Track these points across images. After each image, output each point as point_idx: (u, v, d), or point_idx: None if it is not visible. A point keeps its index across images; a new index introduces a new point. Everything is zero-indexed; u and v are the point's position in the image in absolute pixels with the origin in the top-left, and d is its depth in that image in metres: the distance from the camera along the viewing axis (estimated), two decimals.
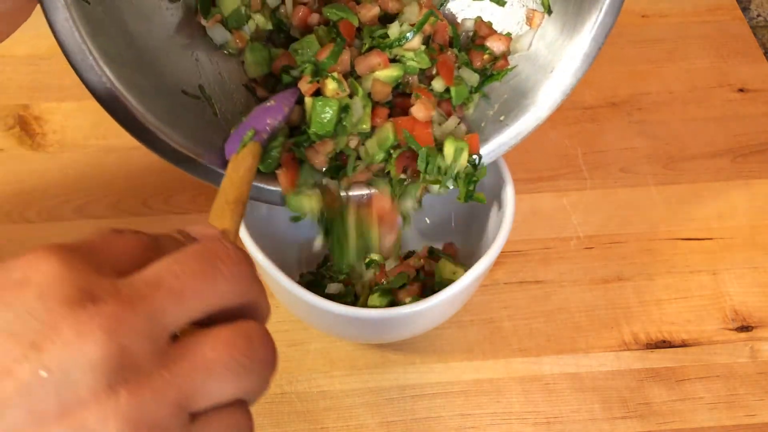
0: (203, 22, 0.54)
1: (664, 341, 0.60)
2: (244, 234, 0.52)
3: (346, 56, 0.54)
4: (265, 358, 0.28)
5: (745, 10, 0.86)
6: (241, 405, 0.28)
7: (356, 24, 0.55)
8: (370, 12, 0.55)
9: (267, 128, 0.49)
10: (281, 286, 0.50)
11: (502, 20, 0.58)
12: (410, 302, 0.52)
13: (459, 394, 0.58)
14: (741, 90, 0.76)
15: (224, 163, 0.49)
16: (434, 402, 0.57)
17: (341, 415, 0.56)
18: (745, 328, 0.61)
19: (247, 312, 0.29)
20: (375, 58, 0.54)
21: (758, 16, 0.88)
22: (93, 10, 0.45)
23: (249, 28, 0.56)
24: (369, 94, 0.54)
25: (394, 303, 0.55)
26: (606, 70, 0.77)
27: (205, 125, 0.53)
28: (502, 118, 0.55)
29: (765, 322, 0.61)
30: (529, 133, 0.55)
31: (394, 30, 0.55)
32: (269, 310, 0.31)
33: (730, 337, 0.61)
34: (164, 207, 0.67)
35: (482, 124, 0.56)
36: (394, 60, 0.55)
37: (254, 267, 0.29)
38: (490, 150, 0.55)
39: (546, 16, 0.54)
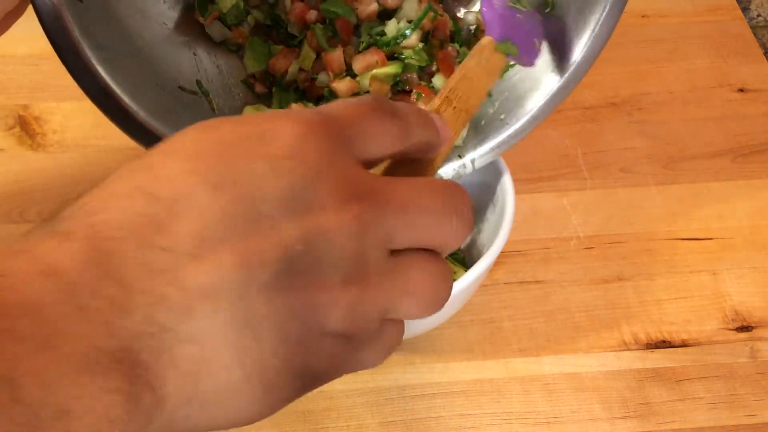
0: (201, 19, 0.53)
1: (664, 341, 0.60)
2: None
3: (339, 56, 0.53)
4: (445, 296, 0.30)
5: (745, 10, 0.86)
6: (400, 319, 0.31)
7: (354, 21, 0.54)
8: (369, 8, 0.55)
9: (520, 63, 0.47)
10: None
11: None
12: None
13: (459, 394, 0.58)
14: (741, 90, 0.76)
15: None
16: (434, 402, 0.57)
17: (341, 415, 0.56)
18: (745, 328, 0.61)
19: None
20: (372, 56, 0.54)
21: (758, 16, 0.88)
22: (86, 8, 0.45)
23: (248, 23, 0.55)
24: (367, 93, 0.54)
25: None
26: (606, 70, 0.77)
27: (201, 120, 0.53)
28: (502, 116, 0.55)
29: (765, 322, 0.61)
30: (529, 132, 0.55)
31: (391, 27, 0.55)
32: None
33: (730, 337, 0.61)
34: None
35: (482, 122, 0.56)
36: (392, 57, 0.55)
37: (472, 231, 0.32)
38: (489, 148, 0.55)
39: (549, 12, 0.54)
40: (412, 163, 0.33)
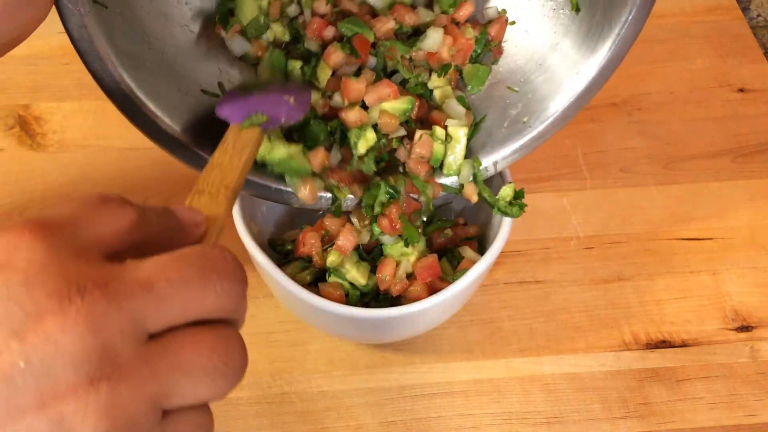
0: (222, 33, 0.53)
1: (664, 341, 0.60)
2: (242, 231, 0.52)
3: (360, 85, 0.53)
4: (239, 365, 0.28)
5: (745, 10, 0.86)
6: (204, 405, 0.28)
7: (371, 39, 0.54)
8: (386, 26, 0.54)
9: (277, 123, 0.48)
10: (282, 286, 0.50)
11: (526, 12, 0.56)
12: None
13: (459, 394, 0.58)
14: (741, 90, 0.76)
15: (209, 126, 0.48)
16: (434, 402, 0.57)
17: (341, 415, 0.56)
18: (745, 328, 0.61)
19: (227, 319, 0.29)
20: (384, 89, 0.53)
21: (758, 16, 0.88)
22: (110, 14, 0.45)
23: (267, 37, 0.55)
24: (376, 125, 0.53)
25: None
26: None
27: (220, 124, 0.53)
28: (525, 119, 0.54)
29: (765, 322, 0.61)
30: (551, 135, 0.54)
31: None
32: (244, 320, 0.30)
33: (730, 337, 0.61)
34: None
35: (504, 124, 0.55)
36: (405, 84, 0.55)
37: (247, 285, 0.29)
38: (511, 151, 0.55)
39: (574, 14, 0.53)
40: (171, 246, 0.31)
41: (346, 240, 0.52)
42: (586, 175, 0.70)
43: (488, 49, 0.57)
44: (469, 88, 0.57)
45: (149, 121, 0.48)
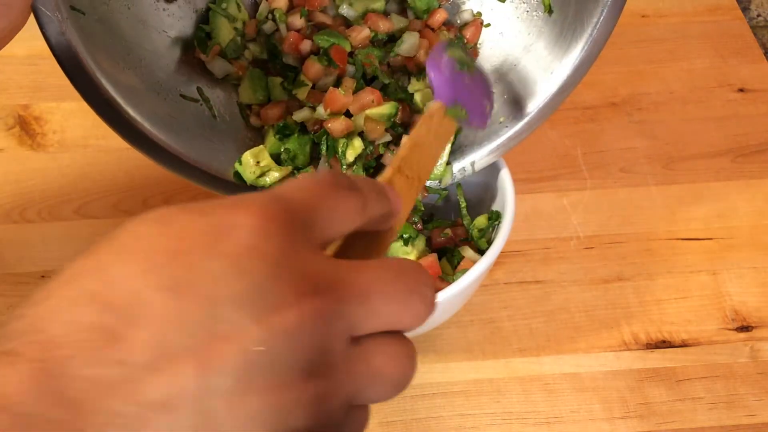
0: (203, 57, 0.54)
1: (664, 341, 0.60)
2: None
3: (340, 97, 0.53)
4: (411, 376, 0.30)
5: (745, 10, 0.86)
6: (366, 406, 0.30)
7: (348, 48, 0.54)
8: (361, 34, 0.55)
9: (465, 126, 0.46)
10: None
11: (500, 14, 0.58)
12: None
13: (459, 394, 0.58)
14: (741, 90, 0.76)
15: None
16: (434, 402, 0.57)
17: None
18: (745, 328, 0.61)
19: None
20: (368, 95, 0.53)
21: (758, 16, 0.88)
22: (88, 20, 0.45)
23: (246, 57, 0.56)
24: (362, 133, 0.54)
25: None
26: (606, 70, 0.77)
27: (204, 128, 0.53)
28: (501, 119, 0.55)
29: (765, 322, 0.61)
30: (529, 134, 0.55)
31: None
32: None
33: (730, 337, 0.61)
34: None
35: None
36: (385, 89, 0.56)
37: (434, 307, 0.30)
38: (488, 151, 0.56)
39: (548, 16, 0.54)
40: (367, 236, 0.32)
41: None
42: (586, 175, 0.70)
43: None
44: None
45: (129, 126, 0.48)
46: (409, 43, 0.55)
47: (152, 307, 0.24)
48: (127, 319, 0.24)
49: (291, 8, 0.57)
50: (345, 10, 0.57)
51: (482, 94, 0.47)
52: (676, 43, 0.80)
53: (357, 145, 0.53)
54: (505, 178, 0.56)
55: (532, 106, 0.54)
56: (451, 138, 0.44)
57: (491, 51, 0.58)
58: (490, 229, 0.56)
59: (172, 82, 0.53)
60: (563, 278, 0.64)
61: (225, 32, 0.54)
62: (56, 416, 0.22)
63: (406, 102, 0.56)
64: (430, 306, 0.29)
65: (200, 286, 0.24)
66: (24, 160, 0.70)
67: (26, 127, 0.72)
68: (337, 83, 0.55)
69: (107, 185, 0.68)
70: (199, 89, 0.54)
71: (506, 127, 0.55)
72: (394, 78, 0.56)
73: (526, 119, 0.54)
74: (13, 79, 0.75)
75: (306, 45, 0.55)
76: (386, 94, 0.56)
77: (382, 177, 0.35)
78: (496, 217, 0.56)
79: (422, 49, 0.56)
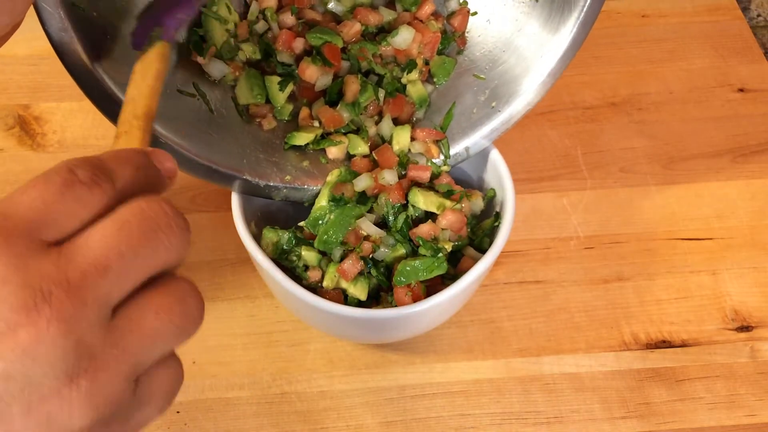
0: (199, 60, 0.54)
1: (664, 341, 0.60)
2: (242, 231, 0.52)
3: (333, 113, 0.55)
4: (197, 313, 0.29)
5: (745, 10, 0.86)
6: (171, 355, 0.29)
7: (341, 44, 0.56)
8: (352, 29, 0.56)
9: (176, 24, 0.45)
10: (282, 287, 0.50)
11: (487, 1, 0.58)
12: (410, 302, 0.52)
13: (459, 394, 0.58)
14: (741, 90, 0.76)
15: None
16: (434, 402, 0.57)
17: (341, 415, 0.56)
18: (745, 328, 0.61)
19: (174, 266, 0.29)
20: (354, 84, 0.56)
21: (758, 16, 0.88)
22: (87, 16, 0.45)
23: (240, 58, 0.56)
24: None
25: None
26: (606, 70, 0.77)
27: (202, 123, 0.53)
28: (493, 104, 0.57)
29: (765, 322, 0.61)
30: (520, 118, 0.56)
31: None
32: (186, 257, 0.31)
33: (730, 337, 0.61)
34: None
35: (474, 110, 0.57)
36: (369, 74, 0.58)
37: (189, 229, 0.29)
38: (482, 135, 0.57)
39: (534, 2, 0.55)
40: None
41: (352, 266, 0.52)
42: (586, 175, 0.70)
43: (452, 40, 0.59)
44: (435, 80, 0.59)
45: None
46: (403, 37, 0.56)
47: None
48: None
49: (281, 7, 0.57)
50: (333, 5, 0.58)
51: (173, 7, 0.47)
52: (676, 43, 0.80)
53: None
54: (505, 178, 0.56)
55: (522, 90, 0.56)
56: (165, 56, 0.42)
57: (480, 38, 0.59)
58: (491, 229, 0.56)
59: (169, 80, 0.53)
60: (563, 278, 0.64)
61: (218, 34, 0.54)
62: None
63: (401, 93, 0.58)
64: (180, 247, 0.28)
65: None
66: (24, 160, 0.70)
67: (26, 127, 0.72)
68: (335, 80, 0.57)
69: None
70: (195, 84, 0.54)
71: (498, 111, 0.56)
72: (387, 69, 0.57)
73: (516, 103, 0.56)
74: (13, 79, 0.75)
75: (299, 43, 0.56)
76: (381, 86, 0.57)
77: (114, 145, 0.35)
78: (496, 218, 0.56)
79: (415, 42, 0.57)
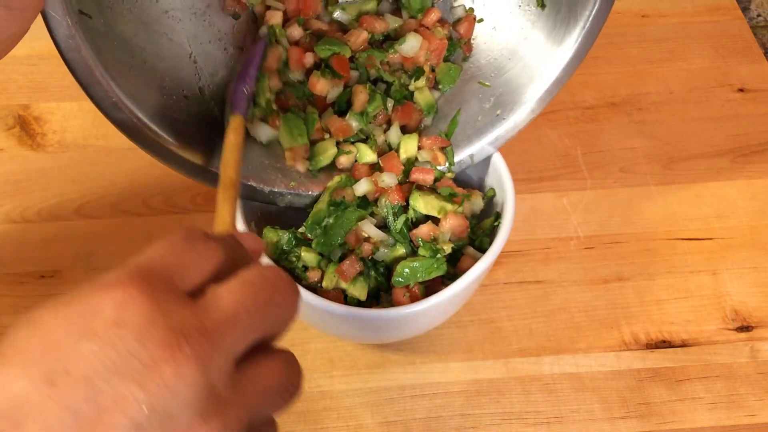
0: (248, 125, 0.55)
1: (664, 341, 0.60)
2: (242, 229, 0.52)
3: (342, 123, 0.56)
4: (299, 381, 0.32)
5: (745, 10, 0.86)
6: (273, 419, 0.32)
7: (348, 54, 0.56)
8: (360, 38, 0.56)
9: (244, 98, 0.51)
10: None
11: (493, 9, 0.58)
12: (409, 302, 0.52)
13: (459, 394, 0.58)
14: (741, 90, 0.76)
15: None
16: (434, 402, 0.57)
17: (341, 415, 0.56)
18: (745, 328, 0.61)
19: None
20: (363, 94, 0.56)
21: (758, 16, 0.88)
22: (95, 23, 0.45)
23: (267, 97, 0.56)
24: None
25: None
26: (606, 70, 0.77)
27: (207, 127, 0.54)
28: (498, 112, 0.56)
29: (765, 322, 0.61)
30: (524, 126, 0.56)
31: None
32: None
33: (730, 337, 0.61)
34: (164, 207, 0.67)
35: (479, 118, 0.57)
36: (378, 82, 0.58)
37: (300, 295, 0.33)
38: (487, 142, 0.56)
39: (540, 10, 0.55)
40: None
41: (351, 267, 0.53)
42: (586, 175, 0.70)
43: (458, 46, 0.59)
44: (440, 86, 0.59)
45: (135, 127, 0.48)
46: (410, 44, 0.56)
47: (33, 403, 0.25)
48: (15, 422, 0.25)
49: (287, 20, 0.58)
50: (338, 14, 0.58)
51: (240, 86, 0.53)
52: (676, 43, 0.80)
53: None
54: (506, 178, 0.56)
55: (526, 99, 0.55)
56: (237, 133, 0.50)
57: (485, 45, 0.59)
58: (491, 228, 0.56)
59: (177, 83, 0.53)
60: (563, 278, 0.64)
61: (263, 98, 0.55)
62: None
63: (409, 100, 0.58)
64: (293, 297, 0.32)
65: (73, 370, 0.26)
66: (24, 160, 0.70)
67: (26, 127, 0.72)
68: (345, 89, 0.57)
69: (107, 185, 0.68)
70: (200, 90, 0.54)
71: (503, 119, 0.56)
72: (395, 76, 0.57)
73: (520, 111, 0.56)
74: (13, 79, 0.75)
75: (309, 58, 0.56)
76: (389, 93, 0.57)
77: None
78: (496, 218, 0.56)
79: (422, 50, 0.57)
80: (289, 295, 0.32)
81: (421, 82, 0.57)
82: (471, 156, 0.57)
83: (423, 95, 0.58)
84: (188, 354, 0.27)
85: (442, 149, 0.57)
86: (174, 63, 0.53)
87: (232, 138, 0.47)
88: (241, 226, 0.53)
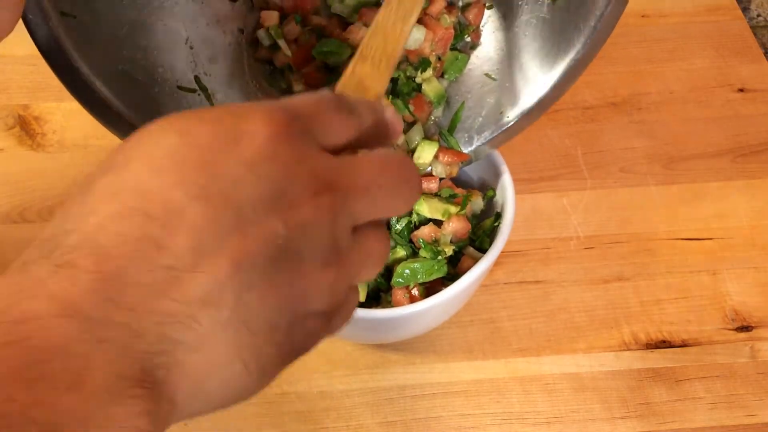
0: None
1: (664, 341, 0.60)
2: None
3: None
4: (387, 255, 0.34)
5: (745, 10, 0.86)
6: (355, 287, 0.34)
7: (347, 54, 0.54)
8: (359, 34, 0.54)
9: None
10: None
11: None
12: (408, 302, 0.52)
13: (459, 394, 0.58)
14: (741, 90, 0.76)
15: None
16: (434, 402, 0.57)
17: (341, 415, 0.56)
18: (745, 328, 0.61)
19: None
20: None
21: (758, 16, 0.88)
22: (79, 22, 0.45)
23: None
24: None
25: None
26: (606, 70, 0.77)
27: None
28: (501, 111, 0.55)
29: (765, 322, 0.61)
30: (528, 127, 0.55)
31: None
32: None
33: (730, 337, 0.61)
34: None
35: (482, 113, 0.56)
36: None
37: (421, 192, 0.35)
38: (488, 142, 0.56)
39: (551, 3, 0.53)
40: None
41: None
42: (586, 175, 0.70)
43: (466, 33, 0.57)
44: (446, 75, 0.57)
45: (127, 126, 0.48)
46: (414, 37, 0.54)
47: (188, 215, 0.26)
48: (168, 229, 0.26)
49: (284, 17, 0.56)
50: (337, 7, 0.56)
51: None
52: (676, 43, 0.80)
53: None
54: (506, 178, 0.56)
55: (534, 95, 0.54)
56: (420, 5, 0.45)
57: (494, 35, 0.57)
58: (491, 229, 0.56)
59: (169, 75, 0.52)
60: (563, 278, 0.64)
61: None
62: (118, 319, 0.25)
63: (417, 91, 0.56)
64: (418, 189, 0.34)
65: (226, 192, 0.27)
66: (24, 160, 0.70)
67: (26, 127, 0.72)
68: None
69: None
70: (196, 78, 0.54)
71: (507, 117, 0.55)
72: (401, 69, 0.56)
73: (527, 108, 0.54)
74: (13, 79, 0.75)
75: (309, 68, 0.55)
76: (396, 88, 0.55)
77: (348, 68, 0.38)
78: (496, 218, 0.56)
79: (426, 41, 0.55)
80: (414, 186, 0.33)
81: (428, 73, 0.56)
82: (473, 152, 0.56)
83: (431, 86, 0.56)
84: (327, 204, 0.29)
85: (458, 162, 0.56)
86: (168, 51, 0.52)
87: (418, 11, 0.42)
88: None
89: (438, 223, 0.55)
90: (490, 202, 0.57)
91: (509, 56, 0.56)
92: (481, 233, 0.56)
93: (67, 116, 0.73)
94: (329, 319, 0.31)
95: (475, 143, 0.56)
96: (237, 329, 0.27)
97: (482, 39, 0.58)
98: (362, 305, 0.53)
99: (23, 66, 0.76)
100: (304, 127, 0.30)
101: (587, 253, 0.65)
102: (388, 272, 0.54)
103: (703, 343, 0.60)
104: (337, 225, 0.29)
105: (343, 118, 0.32)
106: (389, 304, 0.53)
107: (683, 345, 0.60)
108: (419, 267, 0.52)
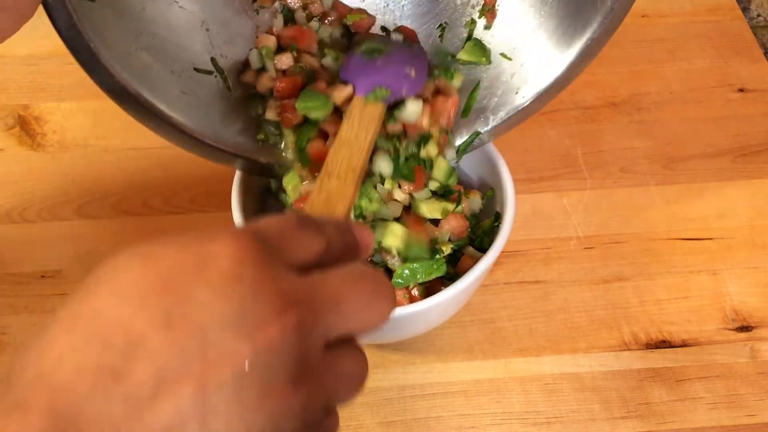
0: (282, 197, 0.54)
1: (664, 341, 0.60)
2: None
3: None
4: (366, 377, 0.33)
5: (745, 10, 0.86)
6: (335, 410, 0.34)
7: (329, 111, 0.51)
8: (342, 93, 0.51)
9: (398, 96, 0.47)
10: None
11: None
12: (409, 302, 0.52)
13: (459, 394, 0.58)
14: (741, 90, 0.76)
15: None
16: (434, 402, 0.57)
17: (341, 415, 0.56)
18: (745, 328, 0.61)
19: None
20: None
21: (758, 16, 0.88)
22: (97, 6, 0.45)
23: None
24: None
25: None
26: (606, 70, 0.77)
27: (218, 101, 0.53)
28: (517, 90, 0.55)
29: (765, 322, 0.61)
30: (541, 107, 0.55)
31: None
32: None
33: (730, 337, 0.61)
34: (164, 207, 0.67)
35: (498, 92, 0.56)
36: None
37: (395, 306, 0.33)
38: (503, 119, 0.55)
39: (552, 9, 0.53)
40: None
41: None
42: (586, 175, 0.70)
43: (482, 14, 0.57)
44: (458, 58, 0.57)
45: (145, 109, 0.48)
46: (411, 110, 0.51)
47: (149, 342, 0.26)
48: (127, 356, 0.26)
49: (281, 50, 0.55)
50: (328, 60, 0.55)
51: (403, 64, 0.49)
52: (676, 43, 0.80)
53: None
54: (506, 178, 0.56)
55: (551, 74, 0.54)
56: (381, 117, 0.45)
57: (509, 14, 0.56)
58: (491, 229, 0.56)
59: (186, 56, 0.52)
60: (563, 278, 0.64)
61: (292, 185, 0.53)
62: None
63: (421, 165, 0.54)
64: (391, 302, 0.33)
65: (190, 315, 0.26)
66: (24, 160, 0.70)
67: (26, 127, 0.72)
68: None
69: (107, 185, 0.68)
70: (213, 60, 0.53)
71: (523, 97, 0.55)
72: (402, 145, 0.53)
73: (543, 88, 0.54)
74: (13, 79, 0.75)
75: (298, 117, 0.53)
76: (398, 166, 0.53)
77: (315, 186, 0.38)
78: (496, 218, 0.56)
79: (425, 116, 0.52)
80: (387, 301, 0.32)
81: (432, 148, 0.53)
82: (483, 132, 0.56)
83: (438, 168, 0.54)
84: (294, 322, 0.28)
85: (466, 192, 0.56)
86: (185, 34, 0.52)
87: (377, 126, 0.43)
88: (238, 219, 0.52)
89: (436, 222, 0.55)
90: (489, 201, 0.57)
91: (525, 36, 0.55)
92: (480, 233, 0.56)
93: (67, 116, 0.73)
94: None
95: (491, 123, 0.56)
96: None
97: (497, 20, 0.57)
98: None
99: (23, 66, 0.76)
100: (271, 248, 0.30)
101: (587, 253, 0.65)
102: (389, 273, 0.54)
103: (703, 343, 0.60)
104: (307, 342, 0.28)
105: (310, 236, 0.32)
106: None
107: (683, 345, 0.60)
108: (418, 267, 0.52)
